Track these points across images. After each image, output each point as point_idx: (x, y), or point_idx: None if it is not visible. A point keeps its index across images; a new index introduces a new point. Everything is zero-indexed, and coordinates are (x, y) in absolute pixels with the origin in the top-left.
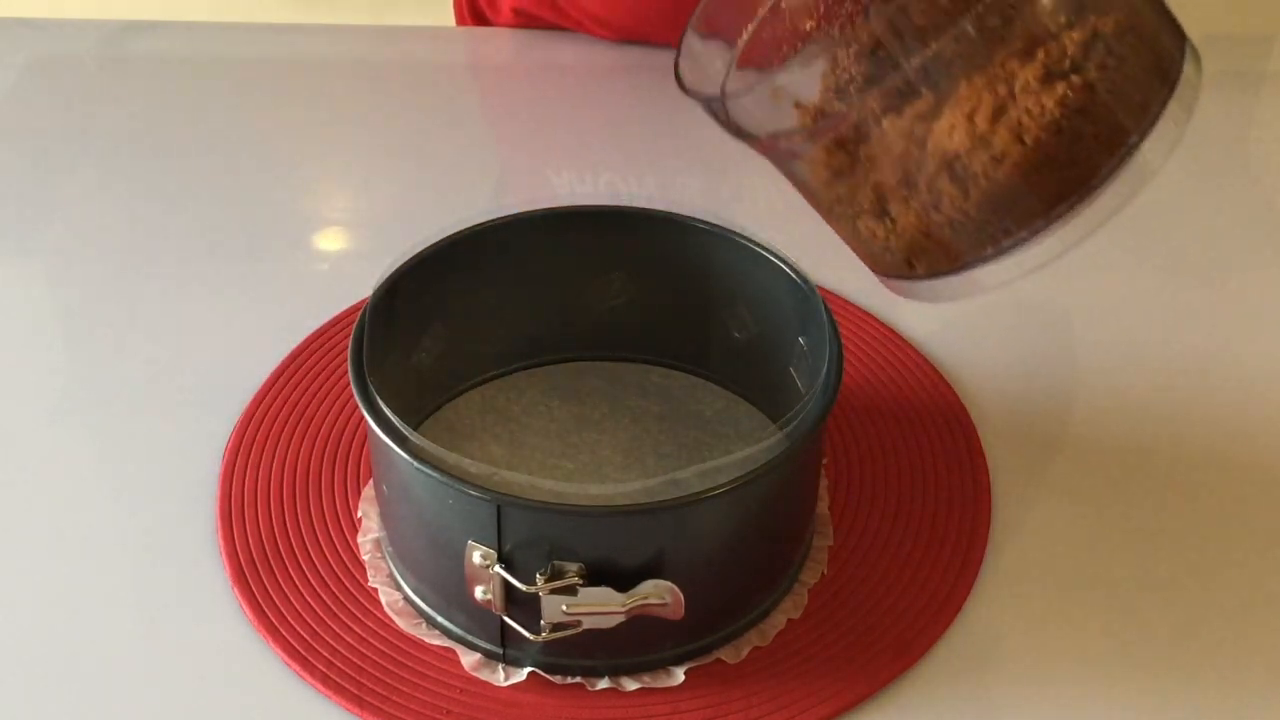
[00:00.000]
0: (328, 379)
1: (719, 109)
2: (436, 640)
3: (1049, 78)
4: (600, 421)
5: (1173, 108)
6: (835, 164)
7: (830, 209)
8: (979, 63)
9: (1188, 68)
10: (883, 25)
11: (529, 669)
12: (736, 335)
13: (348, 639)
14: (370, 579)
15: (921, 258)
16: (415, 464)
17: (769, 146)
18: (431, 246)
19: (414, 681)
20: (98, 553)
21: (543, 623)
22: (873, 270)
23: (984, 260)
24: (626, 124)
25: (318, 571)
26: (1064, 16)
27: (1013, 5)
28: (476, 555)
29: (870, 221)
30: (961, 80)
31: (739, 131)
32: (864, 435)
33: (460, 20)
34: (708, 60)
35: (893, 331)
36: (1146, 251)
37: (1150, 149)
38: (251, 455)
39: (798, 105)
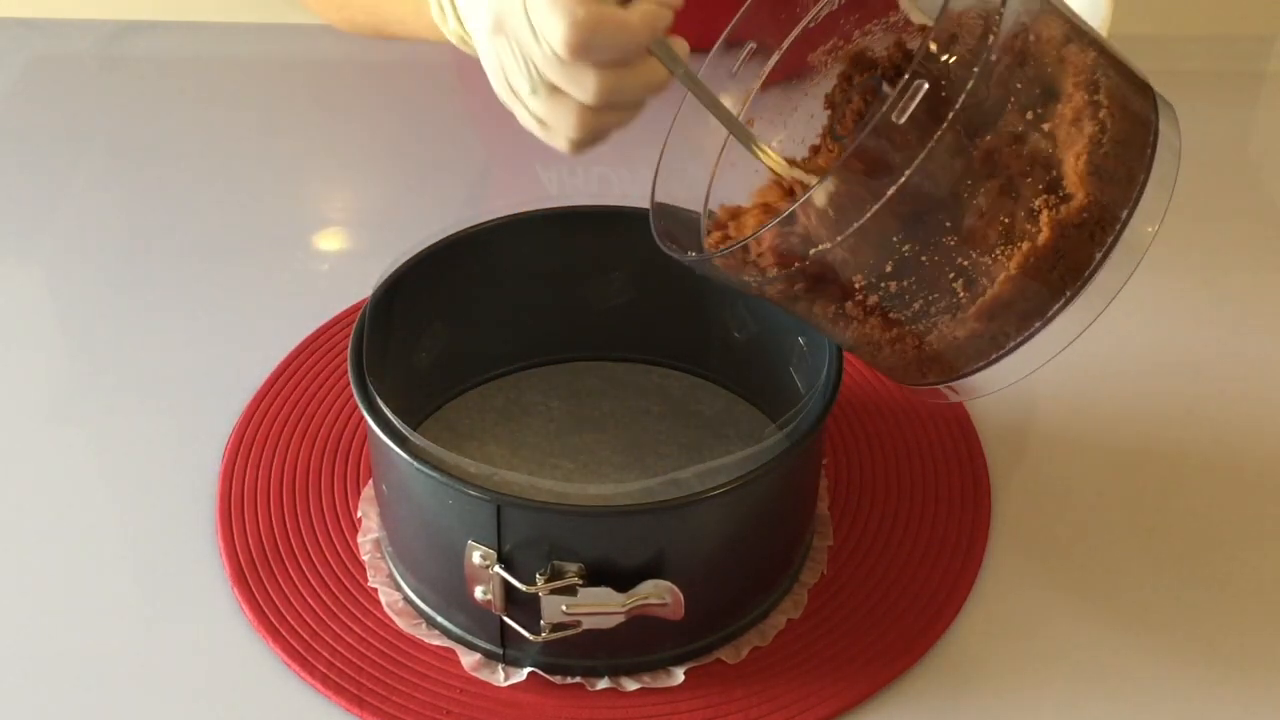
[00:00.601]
0: (328, 379)
1: (701, 267)
2: (436, 640)
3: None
4: (600, 421)
5: (1157, 172)
6: (823, 295)
7: (827, 329)
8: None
9: (1163, 126)
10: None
11: (529, 669)
12: (736, 335)
13: (348, 639)
14: (370, 579)
15: (932, 367)
16: (415, 464)
17: (756, 291)
18: (431, 246)
19: (414, 681)
20: (98, 552)
21: (542, 623)
22: (891, 379)
23: (989, 365)
24: None
25: (318, 571)
26: (1031, 113)
27: (982, 119)
28: (476, 555)
29: (874, 336)
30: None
31: (727, 283)
32: (864, 435)
33: None
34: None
35: None
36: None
37: (1141, 219)
38: (251, 455)
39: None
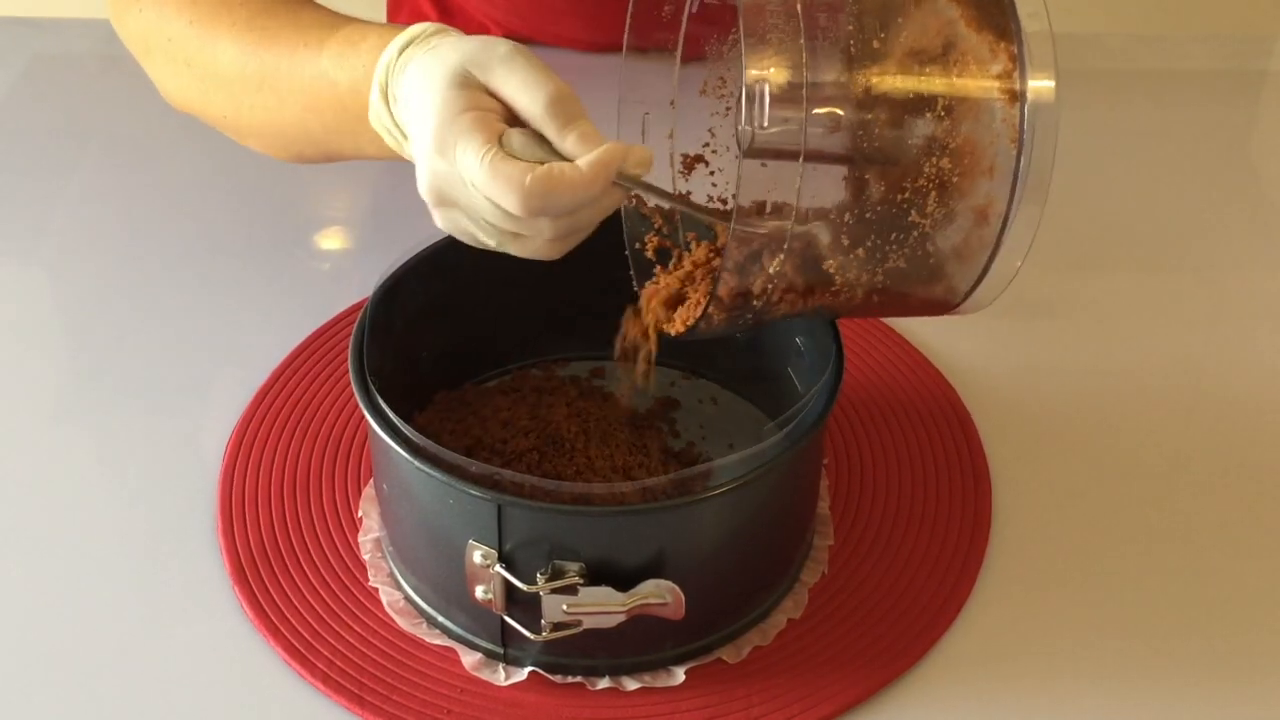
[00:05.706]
0: (328, 379)
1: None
2: (437, 640)
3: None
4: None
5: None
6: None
7: (854, 313)
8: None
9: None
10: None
11: (529, 668)
12: (736, 335)
13: (348, 638)
14: (370, 578)
15: (958, 274)
16: (416, 463)
17: (759, 321)
18: (431, 246)
19: (414, 681)
20: (98, 552)
21: (543, 622)
22: (948, 314)
23: (1003, 236)
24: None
25: (318, 571)
26: (876, 40)
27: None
28: (477, 555)
29: (889, 289)
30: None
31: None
32: (864, 435)
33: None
34: None
35: (893, 331)
36: (1146, 251)
37: (1031, 37)
38: (251, 455)
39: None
